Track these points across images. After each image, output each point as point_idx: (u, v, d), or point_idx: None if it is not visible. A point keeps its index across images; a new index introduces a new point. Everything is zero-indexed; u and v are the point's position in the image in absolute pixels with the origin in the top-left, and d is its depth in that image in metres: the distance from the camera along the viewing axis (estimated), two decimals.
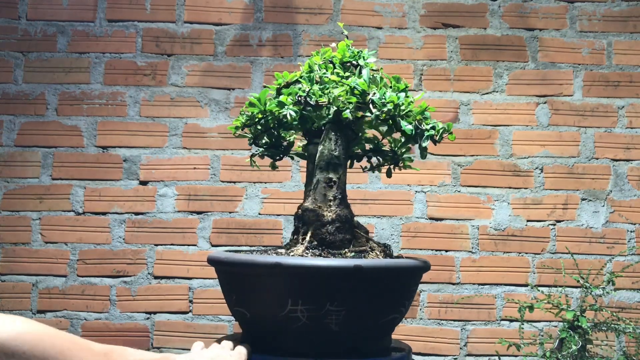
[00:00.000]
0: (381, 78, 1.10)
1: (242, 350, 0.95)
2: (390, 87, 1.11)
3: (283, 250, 1.03)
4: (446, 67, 1.96)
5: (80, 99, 1.94)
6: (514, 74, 1.96)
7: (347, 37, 1.17)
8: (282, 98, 1.06)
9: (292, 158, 1.21)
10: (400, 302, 1.01)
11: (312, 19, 1.97)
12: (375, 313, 0.98)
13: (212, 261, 1.04)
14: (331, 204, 1.05)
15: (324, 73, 1.08)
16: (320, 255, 0.99)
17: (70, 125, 1.93)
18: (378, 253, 1.06)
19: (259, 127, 1.10)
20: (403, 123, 1.05)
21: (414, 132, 1.06)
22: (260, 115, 1.08)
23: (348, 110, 1.04)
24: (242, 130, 1.13)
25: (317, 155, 1.07)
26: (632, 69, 1.95)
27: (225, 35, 1.97)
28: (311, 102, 1.04)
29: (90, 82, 1.95)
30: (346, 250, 1.03)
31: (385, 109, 1.04)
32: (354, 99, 1.04)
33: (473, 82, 1.96)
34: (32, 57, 1.95)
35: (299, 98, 1.04)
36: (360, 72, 1.10)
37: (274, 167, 1.20)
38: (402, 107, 1.06)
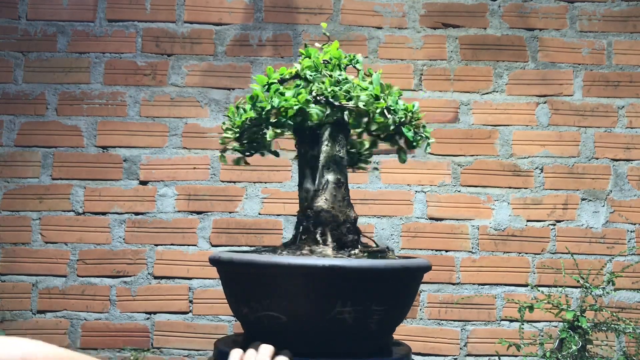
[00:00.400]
0: (388, 85, 1.10)
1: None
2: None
3: (305, 251, 1.01)
4: (446, 67, 1.96)
5: (80, 99, 1.94)
6: (514, 74, 1.96)
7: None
8: (288, 95, 1.04)
9: (263, 155, 1.18)
10: (411, 301, 1.05)
11: (312, 19, 1.97)
12: (402, 312, 1.02)
13: (236, 264, 0.97)
14: (341, 204, 1.05)
15: (339, 74, 1.08)
16: (349, 256, 1.00)
17: (70, 125, 1.93)
18: (390, 254, 1.07)
19: (248, 124, 1.08)
20: (405, 129, 1.06)
21: (413, 138, 1.08)
22: (252, 115, 1.05)
23: (375, 115, 1.05)
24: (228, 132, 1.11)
25: (323, 155, 1.07)
26: (632, 69, 1.95)
27: (225, 35, 1.97)
28: (335, 103, 1.04)
29: (90, 82, 1.95)
30: (357, 250, 1.03)
31: (399, 116, 1.05)
32: (382, 104, 1.04)
33: (473, 82, 1.96)
34: (32, 57, 1.95)
35: (319, 97, 1.03)
36: (362, 76, 1.11)
37: (238, 162, 1.20)
38: (412, 115, 1.08)
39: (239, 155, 1.17)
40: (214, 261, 1.01)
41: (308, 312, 0.92)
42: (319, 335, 0.94)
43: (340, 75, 1.08)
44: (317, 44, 1.14)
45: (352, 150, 1.20)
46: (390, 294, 0.96)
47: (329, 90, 1.03)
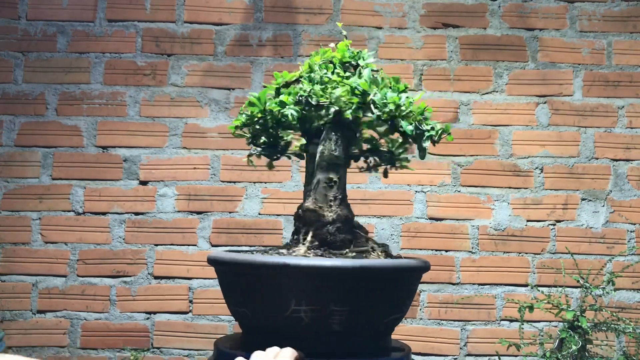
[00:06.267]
0: (382, 79, 1.10)
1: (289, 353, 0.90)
2: (390, 87, 1.11)
3: (285, 251, 1.03)
4: (446, 67, 1.96)
5: (80, 99, 1.94)
6: (514, 74, 1.96)
7: (346, 37, 1.17)
8: (283, 98, 1.06)
9: (289, 158, 1.20)
10: (401, 301, 1.02)
11: (312, 19, 1.97)
12: (377, 313, 0.98)
13: (212, 261, 1.02)
14: (332, 204, 1.04)
15: (325, 73, 1.08)
16: (322, 255, 0.99)
17: (70, 125, 1.93)
18: (380, 253, 1.06)
19: (258, 127, 1.10)
20: (404, 123, 1.05)
21: (414, 132, 1.06)
22: (259, 115, 1.08)
23: (349, 111, 1.03)
24: (241, 129, 1.13)
25: (318, 155, 1.07)
26: (632, 69, 1.95)
27: (225, 35, 1.97)
28: (312, 102, 1.04)
29: (90, 82, 1.95)
30: (347, 250, 1.03)
31: (386, 110, 1.04)
32: (355, 100, 1.04)
33: (473, 82, 1.96)
34: (32, 57, 1.95)
35: (300, 98, 1.04)
36: (360, 73, 1.10)
37: (270, 166, 1.20)
38: (403, 108, 1.05)
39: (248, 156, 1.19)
40: (211, 260, 1.04)
41: (266, 310, 0.95)
42: (278, 333, 0.95)
43: (326, 74, 1.08)
44: (331, 44, 1.14)
45: (379, 149, 1.18)
46: (352, 295, 0.94)
47: (308, 90, 1.03)
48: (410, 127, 1.05)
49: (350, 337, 0.97)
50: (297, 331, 0.94)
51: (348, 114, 1.04)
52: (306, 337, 0.95)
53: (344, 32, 1.21)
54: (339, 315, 0.92)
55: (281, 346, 0.87)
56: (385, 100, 1.04)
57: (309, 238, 1.02)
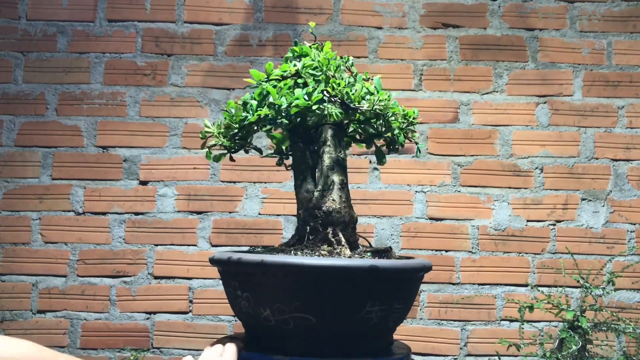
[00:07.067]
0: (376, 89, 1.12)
1: (232, 349, 0.93)
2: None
3: (325, 252, 1.01)
4: (446, 67, 1.96)
5: (80, 99, 1.94)
6: (514, 74, 1.96)
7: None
8: (298, 93, 1.02)
9: (260, 152, 1.17)
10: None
11: (312, 19, 1.97)
12: (408, 308, 1.04)
13: (270, 266, 0.93)
14: (345, 205, 1.05)
15: (341, 76, 1.08)
16: (363, 257, 1.01)
17: (70, 125, 1.93)
18: (392, 253, 1.10)
19: (241, 125, 1.08)
20: (398, 133, 1.11)
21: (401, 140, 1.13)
22: (267, 112, 1.04)
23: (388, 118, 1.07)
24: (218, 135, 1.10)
25: (327, 156, 1.07)
26: (632, 69, 1.95)
27: (225, 35, 1.97)
28: (351, 105, 1.04)
29: (90, 82, 1.95)
30: (360, 250, 1.05)
31: (403, 120, 1.10)
32: (398, 109, 1.07)
33: (473, 82, 1.96)
34: (32, 57, 1.95)
35: (334, 98, 1.03)
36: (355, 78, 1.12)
37: (232, 159, 1.18)
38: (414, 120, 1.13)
39: (222, 152, 1.16)
40: (271, 265, 0.94)
41: (337, 313, 0.94)
42: (347, 334, 0.96)
43: (344, 77, 1.08)
44: (306, 43, 1.13)
45: None
46: (408, 292, 1.01)
47: (345, 92, 1.03)
48: (402, 138, 1.13)
49: (392, 333, 1.04)
50: (365, 331, 0.96)
51: (396, 123, 1.08)
52: (371, 336, 0.98)
53: (314, 34, 1.21)
54: (396, 313, 0.98)
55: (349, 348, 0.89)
56: (401, 112, 1.09)
57: (342, 239, 1.02)
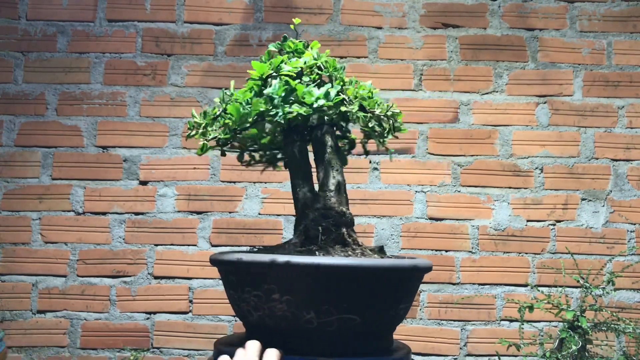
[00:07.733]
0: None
1: (274, 354, 0.88)
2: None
3: (338, 252, 1.02)
4: (446, 67, 1.96)
5: (80, 99, 1.94)
6: (514, 74, 1.96)
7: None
8: (318, 93, 1.02)
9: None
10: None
11: (312, 19, 1.97)
12: (406, 309, 1.07)
13: (311, 267, 0.91)
14: (347, 206, 1.08)
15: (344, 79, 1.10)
16: (372, 256, 1.04)
17: (70, 125, 1.93)
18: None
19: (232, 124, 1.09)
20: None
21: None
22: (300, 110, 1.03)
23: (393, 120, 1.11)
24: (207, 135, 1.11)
25: (329, 156, 1.08)
26: (632, 69, 1.96)
27: (225, 35, 1.97)
28: (367, 109, 1.07)
29: (90, 82, 1.95)
30: (361, 249, 1.07)
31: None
32: (401, 115, 1.12)
33: (473, 82, 1.96)
34: (32, 57, 1.95)
35: (354, 101, 1.06)
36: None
37: (223, 155, 1.19)
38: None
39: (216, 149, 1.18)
40: (319, 268, 0.92)
41: (381, 311, 0.97)
42: (377, 333, 1.00)
43: (345, 78, 1.09)
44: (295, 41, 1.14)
45: None
46: (414, 291, 1.05)
47: (366, 96, 1.07)
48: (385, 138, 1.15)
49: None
50: (393, 328, 1.04)
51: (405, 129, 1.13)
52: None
53: (297, 30, 1.21)
54: (403, 312, 1.02)
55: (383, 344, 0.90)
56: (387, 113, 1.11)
57: (357, 239, 1.06)
